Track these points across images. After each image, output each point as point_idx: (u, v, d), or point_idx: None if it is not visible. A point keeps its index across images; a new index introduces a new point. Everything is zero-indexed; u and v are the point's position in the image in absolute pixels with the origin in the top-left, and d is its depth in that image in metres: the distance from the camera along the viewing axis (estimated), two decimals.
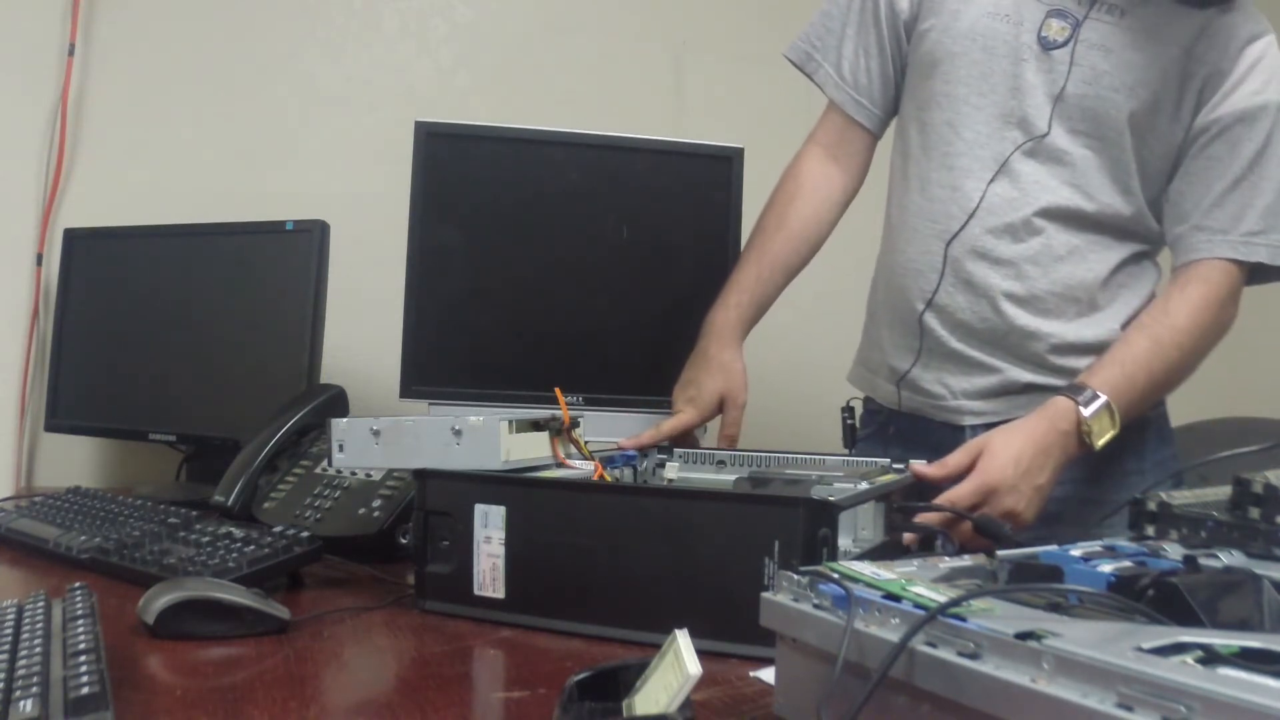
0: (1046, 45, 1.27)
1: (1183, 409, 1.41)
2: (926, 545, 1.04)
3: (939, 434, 1.34)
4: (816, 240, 1.44)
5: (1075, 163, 1.27)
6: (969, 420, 1.34)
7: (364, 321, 1.85)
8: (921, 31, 1.35)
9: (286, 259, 1.63)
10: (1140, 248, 1.33)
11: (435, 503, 0.96)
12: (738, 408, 1.36)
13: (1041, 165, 1.28)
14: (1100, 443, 1.18)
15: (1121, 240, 1.31)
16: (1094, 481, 1.31)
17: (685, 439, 1.35)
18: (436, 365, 1.56)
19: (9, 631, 0.77)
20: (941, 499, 1.10)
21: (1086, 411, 1.17)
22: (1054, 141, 1.27)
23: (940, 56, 1.32)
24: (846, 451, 1.46)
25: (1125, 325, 1.30)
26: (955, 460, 1.15)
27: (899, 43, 1.39)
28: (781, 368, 1.98)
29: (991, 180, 1.29)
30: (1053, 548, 0.75)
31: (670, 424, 1.33)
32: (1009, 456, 1.14)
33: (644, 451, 1.23)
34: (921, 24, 1.35)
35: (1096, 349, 1.28)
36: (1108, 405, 1.18)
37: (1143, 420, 1.31)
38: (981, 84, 1.30)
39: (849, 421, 1.48)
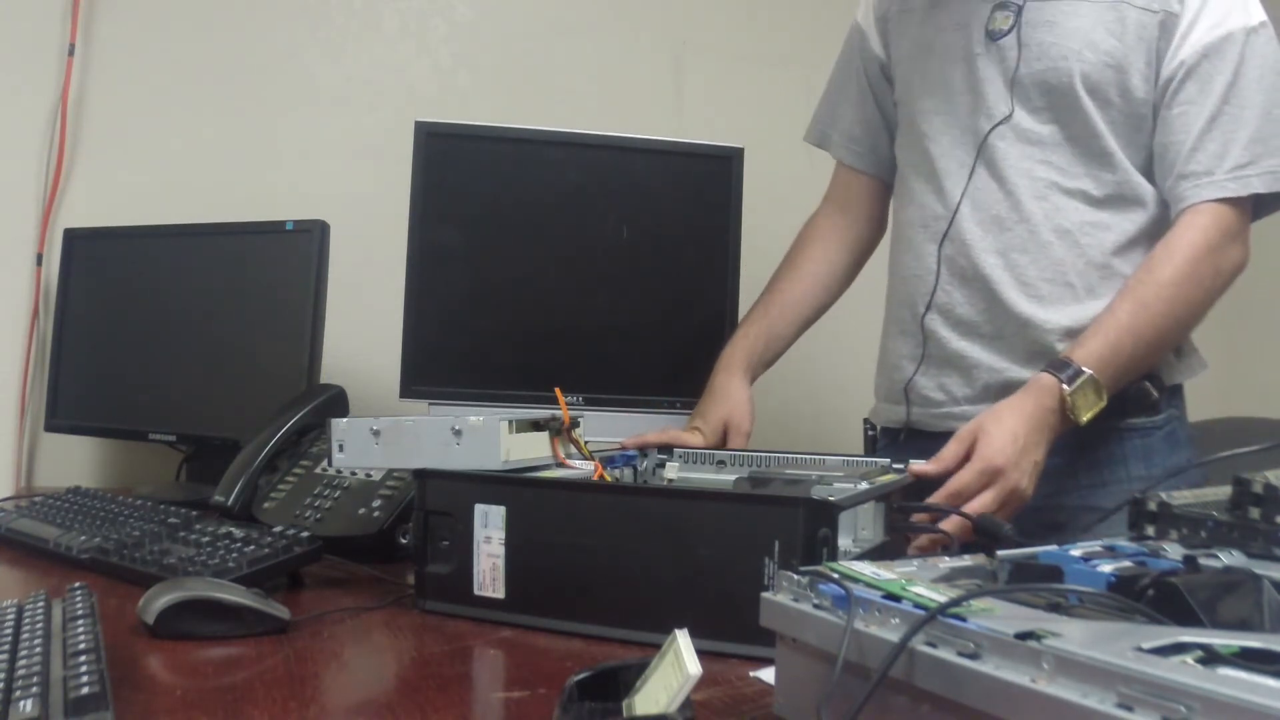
0: (994, 37, 1.29)
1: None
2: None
3: (941, 447, 1.34)
4: (829, 282, 1.49)
5: (1044, 139, 1.28)
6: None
7: (364, 321, 1.85)
8: (895, 63, 1.42)
9: (286, 259, 1.62)
10: (1141, 226, 1.28)
11: (435, 503, 0.96)
12: (741, 435, 1.37)
13: (1011, 147, 1.29)
14: (1086, 417, 1.16)
15: (1117, 213, 1.28)
16: (1102, 487, 1.30)
17: None
18: (436, 365, 1.56)
19: (9, 631, 0.77)
20: (947, 487, 1.10)
21: (1069, 388, 1.15)
22: (1019, 122, 1.28)
23: (909, 78, 1.38)
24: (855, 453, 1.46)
25: None
26: (950, 452, 1.15)
27: (882, 86, 1.46)
28: (807, 382, 1.99)
29: (971, 174, 1.31)
30: (1053, 548, 0.75)
31: (675, 435, 1.32)
32: (1006, 435, 1.12)
33: (644, 451, 1.23)
34: (893, 57, 1.42)
35: None
36: (1092, 379, 1.16)
37: (1150, 424, 1.30)
38: (944, 90, 1.33)
39: (870, 433, 1.49)
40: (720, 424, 1.37)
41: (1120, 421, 1.27)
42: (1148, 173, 1.29)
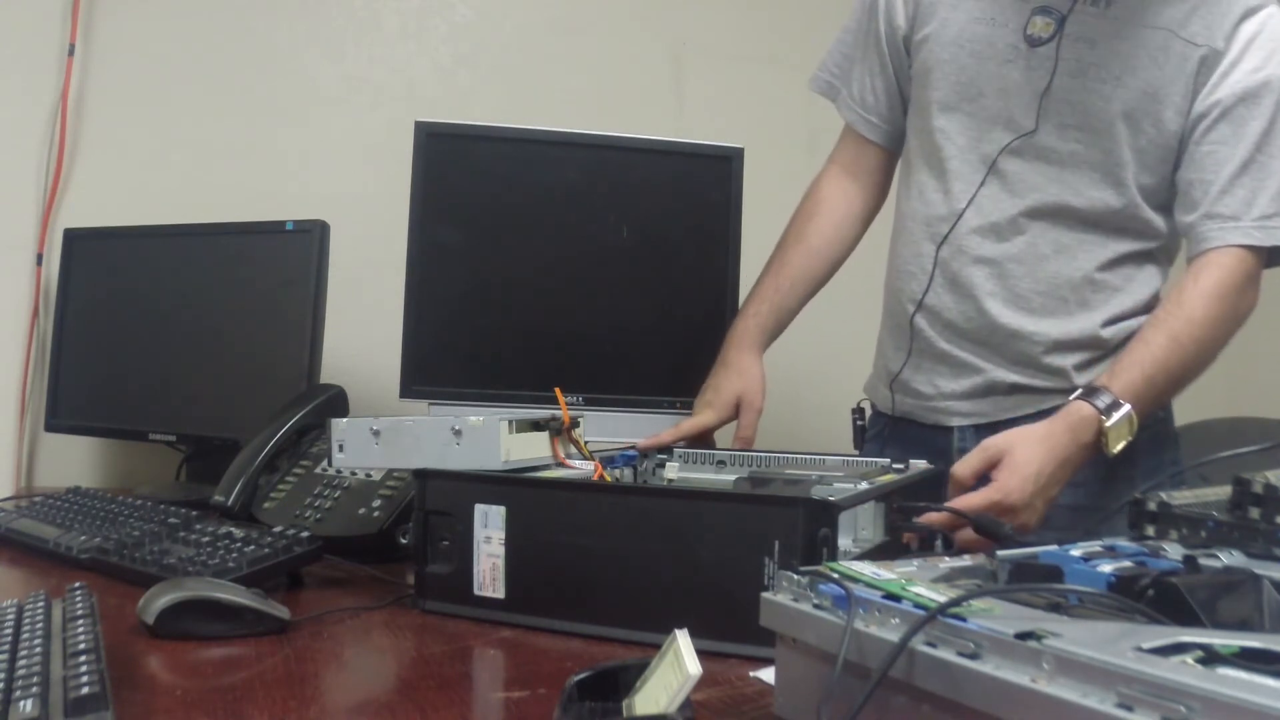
0: (1032, 43, 1.26)
1: (1182, 409, 1.40)
2: (926, 545, 1.04)
3: (929, 436, 1.35)
4: (837, 254, 1.46)
5: (1063, 159, 1.27)
6: (956, 421, 1.34)
7: (364, 321, 1.85)
8: (918, 42, 1.36)
9: (286, 259, 1.62)
10: (1136, 246, 1.30)
11: (435, 503, 0.96)
12: (753, 411, 1.36)
13: (1028, 163, 1.28)
14: (1117, 449, 1.15)
15: (1113, 237, 1.29)
16: (1084, 485, 1.29)
17: (705, 442, 1.36)
18: (436, 365, 1.56)
19: (9, 631, 0.77)
20: (952, 505, 1.09)
21: (1109, 422, 1.15)
22: (1041, 139, 1.26)
23: (932, 65, 1.33)
24: (854, 452, 1.47)
25: (1107, 324, 1.29)
26: (970, 462, 1.14)
27: (900, 58, 1.40)
28: (797, 370, 1.98)
29: (982, 183, 1.30)
30: (1053, 548, 0.75)
31: (689, 424, 1.34)
32: (1030, 472, 1.11)
33: (645, 451, 1.23)
34: (917, 34, 1.36)
35: (1085, 346, 1.27)
36: (1129, 415, 1.15)
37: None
38: (970, 89, 1.30)
39: (859, 423, 1.49)
40: (733, 399, 1.36)
41: None
42: (1155, 200, 1.28)
